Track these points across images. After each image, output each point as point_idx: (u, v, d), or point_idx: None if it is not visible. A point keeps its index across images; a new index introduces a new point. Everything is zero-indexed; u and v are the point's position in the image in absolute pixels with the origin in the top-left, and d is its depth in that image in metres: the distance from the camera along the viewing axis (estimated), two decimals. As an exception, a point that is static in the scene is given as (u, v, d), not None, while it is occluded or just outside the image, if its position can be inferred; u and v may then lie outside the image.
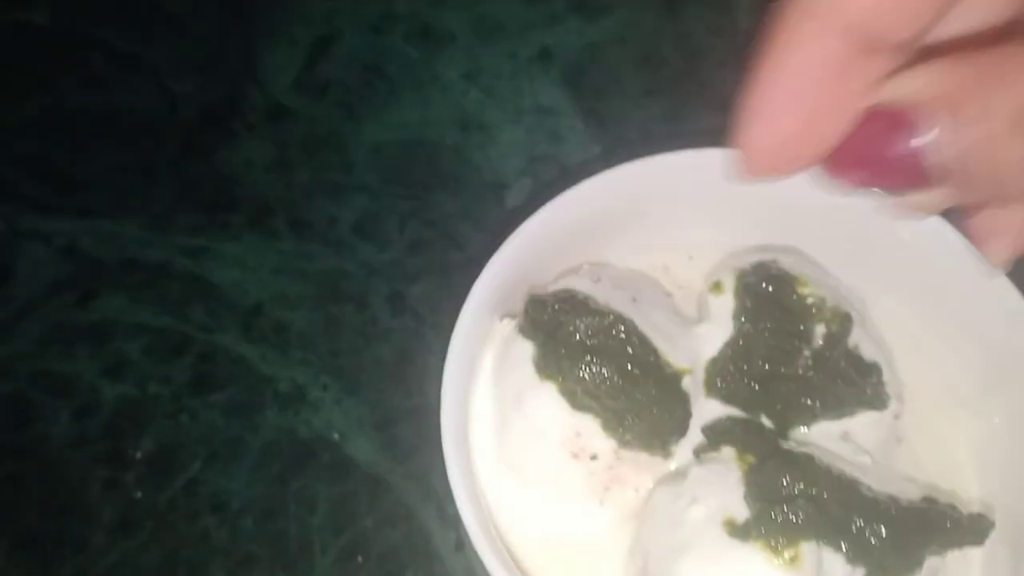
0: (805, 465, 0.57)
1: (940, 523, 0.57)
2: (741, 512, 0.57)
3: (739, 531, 0.56)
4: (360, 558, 0.74)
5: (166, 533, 0.75)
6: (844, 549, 0.56)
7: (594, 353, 0.62)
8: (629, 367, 0.62)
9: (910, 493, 0.60)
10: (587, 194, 0.72)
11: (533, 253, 0.71)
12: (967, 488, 0.69)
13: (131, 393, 0.81)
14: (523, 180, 0.93)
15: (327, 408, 0.80)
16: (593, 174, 0.72)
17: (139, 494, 0.76)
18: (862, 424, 0.64)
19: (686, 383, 0.65)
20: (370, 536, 0.75)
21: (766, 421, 0.65)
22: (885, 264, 0.72)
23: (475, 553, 0.58)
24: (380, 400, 0.81)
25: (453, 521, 0.59)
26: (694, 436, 0.65)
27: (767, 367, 0.64)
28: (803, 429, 0.64)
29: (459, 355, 0.66)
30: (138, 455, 0.78)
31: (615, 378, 0.62)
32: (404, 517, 0.76)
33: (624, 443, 0.64)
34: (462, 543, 0.63)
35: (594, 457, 0.64)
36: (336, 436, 0.79)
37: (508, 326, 0.69)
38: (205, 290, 0.86)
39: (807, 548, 0.55)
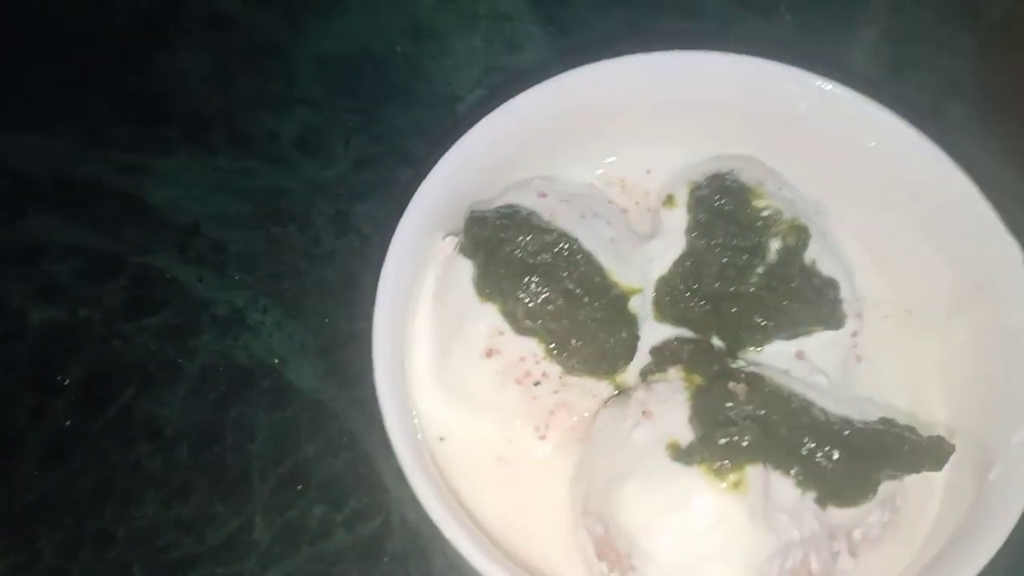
0: (753, 385, 0.55)
1: (897, 446, 0.56)
2: (686, 435, 0.55)
3: (682, 454, 0.54)
4: (301, 486, 0.72)
5: (98, 462, 0.73)
6: (793, 473, 0.54)
7: (536, 273, 0.60)
8: (572, 287, 0.60)
9: (867, 414, 0.58)
10: (537, 102, 0.69)
11: (478, 165, 0.68)
12: (931, 411, 0.67)
13: (60, 317, 0.78)
14: (478, 92, 0.89)
15: (267, 332, 0.78)
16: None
17: (68, 422, 0.74)
18: (819, 343, 0.62)
19: (634, 304, 0.63)
20: (312, 464, 0.73)
21: (717, 342, 0.63)
22: (850, 174, 0.69)
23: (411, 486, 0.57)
24: (323, 324, 0.78)
25: (397, 449, 0.57)
26: (643, 359, 0.63)
27: (718, 285, 0.62)
28: (756, 349, 0.62)
29: (394, 275, 0.63)
30: (67, 382, 0.76)
31: (557, 299, 0.60)
32: (347, 445, 0.74)
33: (569, 368, 0.61)
34: (406, 471, 0.62)
35: (538, 383, 0.62)
36: (276, 361, 0.77)
37: (450, 245, 0.66)
38: (139, 209, 0.83)
39: (753, 472, 0.53)
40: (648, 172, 0.75)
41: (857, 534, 0.58)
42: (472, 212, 0.63)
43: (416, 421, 0.63)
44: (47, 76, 0.89)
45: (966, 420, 0.65)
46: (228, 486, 0.72)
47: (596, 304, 0.60)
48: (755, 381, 0.56)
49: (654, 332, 0.63)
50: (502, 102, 0.68)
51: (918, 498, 0.63)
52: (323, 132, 0.87)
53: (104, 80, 0.89)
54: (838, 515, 0.56)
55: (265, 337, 0.78)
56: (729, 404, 0.55)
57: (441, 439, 0.65)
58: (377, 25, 0.92)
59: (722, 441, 0.53)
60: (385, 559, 0.70)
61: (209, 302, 0.79)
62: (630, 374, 0.63)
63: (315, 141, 0.86)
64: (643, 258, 0.65)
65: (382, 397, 0.59)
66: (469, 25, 0.93)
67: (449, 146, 0.67)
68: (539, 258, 0.60)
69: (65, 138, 0.86)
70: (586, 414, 0.64)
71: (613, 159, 0.75)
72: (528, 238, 0.60)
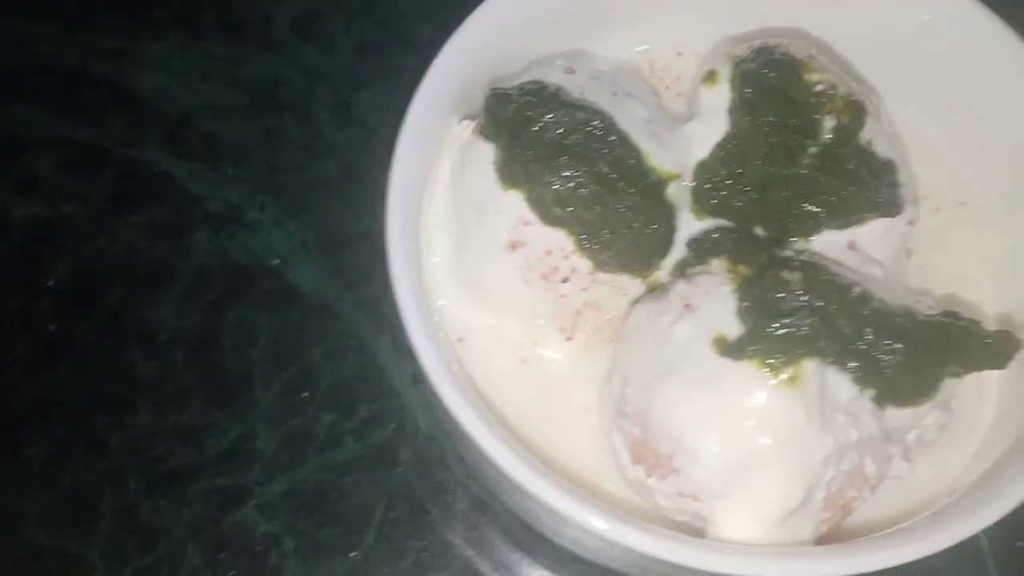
0: (808, 274, 0.51)
1: (963, 340, 0.51)
2: (733, 328, 0.51)
3: (731, 348, 0.50)
4: (307, 393, 0.68)
5: (87, 368, 0.69)
6: (852, 368, 0.50)
7: (567, 154, 0.55)
8: (607, 171, 0.55)
9: (927, 308, 0.53)
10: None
11: (496, 42, 0.62)
12: (984, 309, 0.63)
13: (43, 213, 0.74)
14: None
15: (266, 230, 0.73)
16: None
17: (54, 325, 0.70)
18: (872, 232, 0.57)
19: (672, 191, 0.58)
20: (317, 369, 0.69)
21: (761, 232, 0.58)
22: (901, 52, 0.64)
23: (433, 387, 0.52)
24: (326, 222, 0.74)
25: (409, 353, 0.53)
26: (678, 253, 0.58)
27: (766, 169, 0.56)
28: (805, 240, 0.57)
29: (408, 161, 0.58)
30: (51, 282, 0.71)
31: (591, 184, 0.55)
32: (355, 349, 0.70)
33: (600, 264, 0.57)
34: (420, 376, 0.57)
35: (566, 279, 0.57)
36: (277, 261, 0.72)
37: (467, 129, 0.61)
38: (126, 98, 0.78)
39: (809, 367, 0.49)
40: (679, 54, 0.69)
41: (912, 437, 0.55)
42: (494, 89, 0.58)
43: (435, 320, 0.58)
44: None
45: (1021, 320, 0.61)
46: (228, 393, 0.68)
47: (632, 191, 0.55)
48: (810, 269, 0.52)
49: (690, 223, 0.59)
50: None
51: (972, 400, 0.60)
52: (321, 16, 0.81)
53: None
54: (896, 416, 0.52)
55: (264, 235, 0.73)
56: (782, 294, 0.50)
57: (460, 340, 0.60)
58: None
59: (776, 332, 0.49)
60: (399, 468, 0.66)
61: (202, 198, 0.74)
62: (663, 270, 0.58)
63: (313, 25, 0.81)
64: (681, 142, 0.59)
65: (400, 293, 0.54)
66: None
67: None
68: (570, 138, 0.55)
69: (45, 23, 0.81)
70: (615, 313, 0.59)
71: (641, 39, 0.69)
72: (558, 115, 0.55)
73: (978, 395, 0.60)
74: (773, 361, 0.49)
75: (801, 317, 0.49)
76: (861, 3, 0.63)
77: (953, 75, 0.64)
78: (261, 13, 0.81)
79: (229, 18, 0.80)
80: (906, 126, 0.65)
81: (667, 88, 0.69)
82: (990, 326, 0.55)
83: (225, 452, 0.67)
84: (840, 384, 0.50)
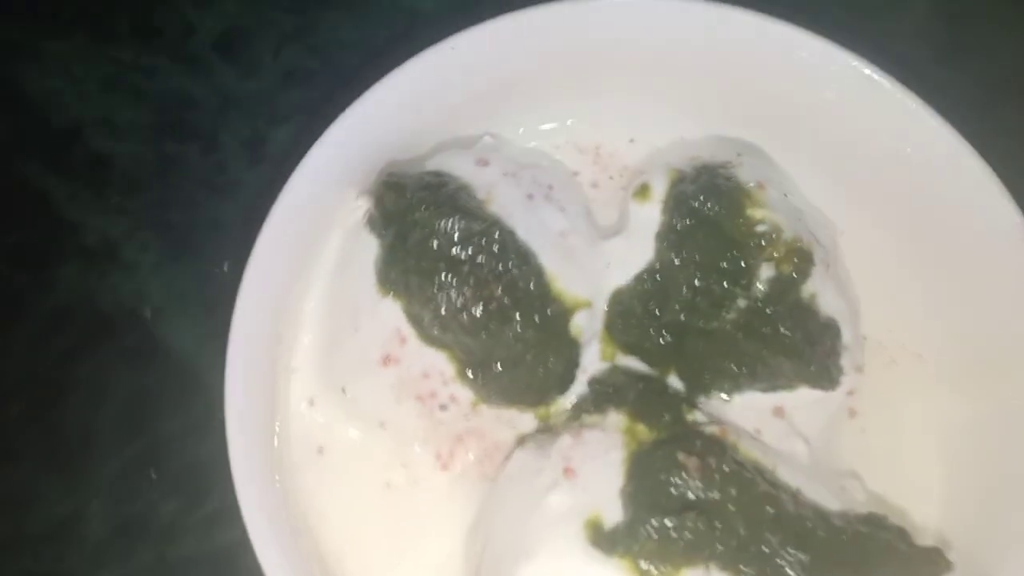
0: (709, 459, 0.44)
1: (883, 556, 0.45)
2: (612, 511, 0.44)
3: (603, 540, 0.43)
4: (153, 473, 0.61)
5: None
6: (747, 574, 0.43)
7: (453, 270, 0.47)
8: (499, 295, 0.47)
9: (851, 503, 0.47)
10: (501, 35, 0.56)
11: (415, 108, 0.55)
12: (925, 491, 0.55)
13: None
14: (442, 5, 0.75)
15: (143, 273, 0.66)
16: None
17: None
18: (803, 400, 0.51)
19: (579, 320, 0.50)
20: (171, 446, 0.62)
21: (675, 381, 0.50)
22: (875, 183, 0.57)
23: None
24: (212, 273, 0.66)
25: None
26: (580, 386, 0.51)
27: (684, 316, 0.49)
28: (724, 398, 0.50)
29: (280, 236, 0.51)
30: None
31: (477, 308, 0.47)
32: (218, 427, 0.62)
33: (484, 397, 0.50)
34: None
35: (444, 407, 0.50)
36: (148, 312, 0.65)
37: (362, 209, 0.53)
38: (14, 99, 0.70)
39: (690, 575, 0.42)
40: (631, 141, 0.62)
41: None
42: (388, 174, 0.51)
43: (278, 427, 0.51)
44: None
45: (965, 514, 0.53)
46: (63, 460, 0.61)
47: (528, 319, 0.48)
48: (712, 452, 0.44)
49: (598, 356, 0.52)
50: (468, 22, 0.56)
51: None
52: (250, 34, 0.73)
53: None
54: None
55: (139, 280, 0.66)
56: (675, 480, 0.43)
57: (320, 451, 0.53)
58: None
59: (655, 536, 0.42)
60: (240, 577, 0.59)
61: (77, 226, 0.67)
62: (560, 405, 0.51)
63: (239, 44, 0.73)
64: (599, 261, 0.52)
65: (229, 394, 0.48)
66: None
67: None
68: (461, 251, 0.48)
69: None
70: (501, 447, 0.52)
71: (590, 121, 0.62)
72: (449, 223, 0.48)
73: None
74: (647, 567, 0.42)
75: (688, 520, 0.42)
76: (837, 122, 0.57)
77: (933, 213, 0.56)
78: (183, 22, 0.73)
79: (145, 23, 0.73)
80: (872, 259, 0.58)
81: (611, 179, 0.61)
82: (927, 530, 0.48)
83: (48, 531, 0.59)
84: (727, 595, 0.43)
